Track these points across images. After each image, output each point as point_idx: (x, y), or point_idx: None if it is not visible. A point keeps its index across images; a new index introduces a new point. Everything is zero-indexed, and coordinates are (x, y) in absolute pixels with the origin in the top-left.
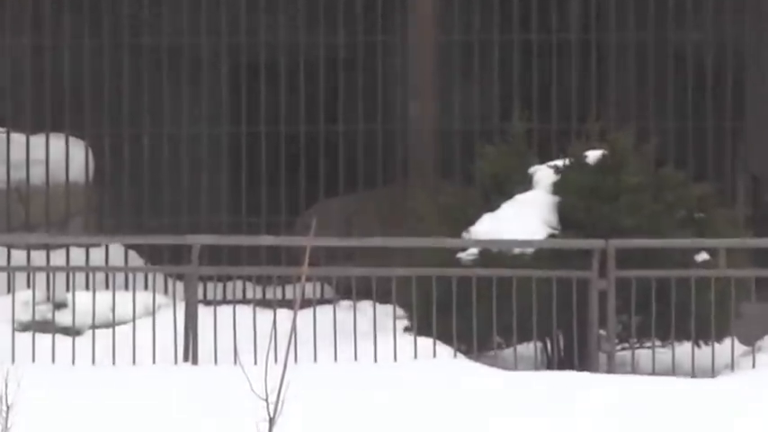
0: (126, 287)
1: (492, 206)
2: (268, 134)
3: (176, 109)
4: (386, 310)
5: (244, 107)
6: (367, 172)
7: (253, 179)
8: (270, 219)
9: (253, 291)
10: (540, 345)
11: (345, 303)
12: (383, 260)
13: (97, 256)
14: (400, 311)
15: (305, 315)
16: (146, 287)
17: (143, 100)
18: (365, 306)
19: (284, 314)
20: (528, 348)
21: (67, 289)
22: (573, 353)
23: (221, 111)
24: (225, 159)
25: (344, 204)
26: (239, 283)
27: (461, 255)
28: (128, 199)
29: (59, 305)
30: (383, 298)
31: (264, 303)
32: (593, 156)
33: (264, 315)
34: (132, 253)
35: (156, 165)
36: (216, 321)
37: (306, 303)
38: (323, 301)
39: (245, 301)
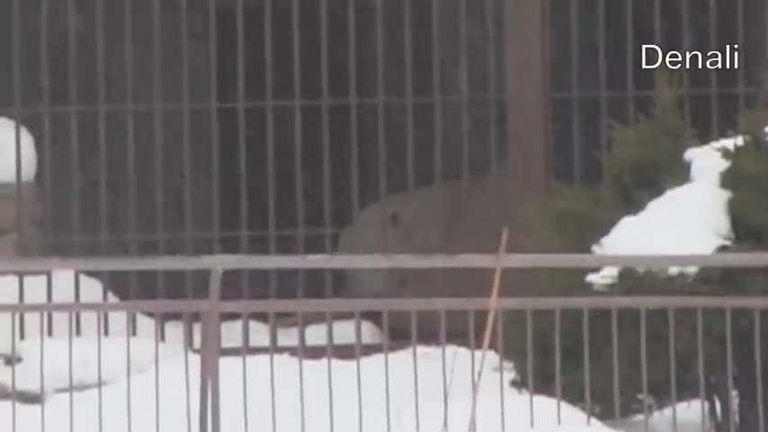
0: (105, 332)
1: (633, 208)
2: (284, 109)
3: (145, 76)
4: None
5: (240, 73)
6: (447, 160)
7: (262, 173)
8: (308, 230)
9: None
10: (707, 405)
11: (422, 350)
12: (457, 287)
13: (36, 288)
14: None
15: (366, 367)
16: (133, 332)
17: (97, 65)
18: (448, 353)
19: (340, 367)
20: (689, 410)
21: (21, 336)
22: (756, 417)
23: (209, 78)
24: (222, 144)
25: (419, 204)
26: (259, 324)
27: (593, 277)
28: (80, 205)
29: (9, 360)
30: (463, 340)
31: (310, 352)
32: None
33: (310, 368)
34: (89, 282)
35: (117, 155)
36: (245, 380)
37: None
38: (370, 346)
39: (276, 349)
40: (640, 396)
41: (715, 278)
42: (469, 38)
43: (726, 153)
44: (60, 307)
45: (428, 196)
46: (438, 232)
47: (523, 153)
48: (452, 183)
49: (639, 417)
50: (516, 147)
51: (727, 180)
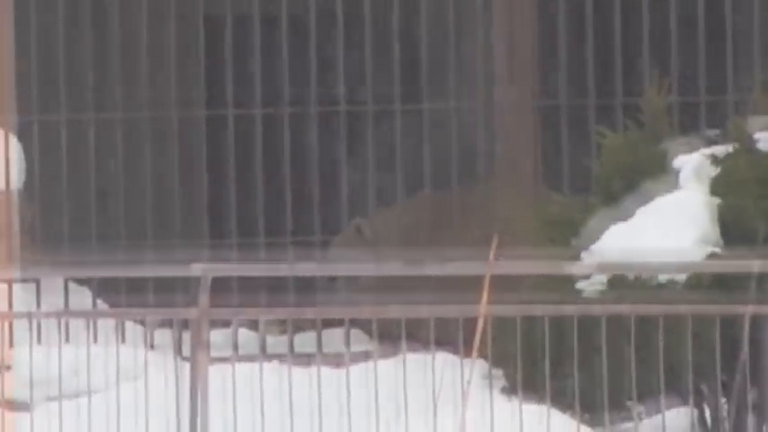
0: (95, 340)
1: (621, 215)
2: (272, 117)
3: (135, 84)
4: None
5: (230, 81)
6: (436, 169)
7: (251, 180)
8: (297, 237)
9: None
10: (695, 412)
11: (413, 356)
12: (443, 293)
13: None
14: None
15: (354, 374)
16: (122, 339)
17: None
18: (437, 359)
19: (329, 375)
20: (678, 417)
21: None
22: (744, 424)
23: (198, 86)
24: (210, 152)
25: (403, 214)
26: (247, 330)
27: (583, 284)
28: (69, 212)
29: None
30: (451, 347)
31: (299, 359)
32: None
33: (299, 376)
34: (78, 290)
35: (105, 163)
36: (234, 388)
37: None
38: (358, 353)
39: (266, 355)
40: (629, 403)
41: (705, 284)
42: (458, 46)
43: (715, 159)
44: (50, 314)
45: (412, 208)
46: (417, 242)
47: (513, 160)
48: (439, 193)
49: (629, 424)
50: (506, 154)
51: (718, 186)
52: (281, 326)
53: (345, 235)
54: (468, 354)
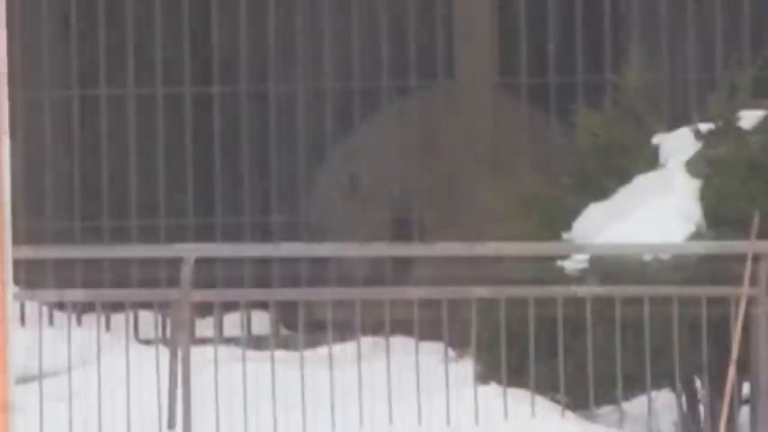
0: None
1: (600, 194)
2: (258, 95)
3: (115, 57)
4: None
5: (215, 58)
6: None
7: (238, 161)
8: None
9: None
10: (690, 412)
11: (399, 341)
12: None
13: None
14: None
15: (343, 372)
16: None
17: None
18: (421, 348)
19: (320, 374)
20: (672, 413)
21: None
22: (733, 409)
23: (182, 61)
24: (191, 131)
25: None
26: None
27: (565, 262)
28: (53, 192)
29: None
30: (429, 333)
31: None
32: (750, 117)
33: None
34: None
35: (86, 138)
36: (216, 370)
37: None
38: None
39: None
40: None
41: (689, 267)
42: (419, 24)
43: (698, 136)
44: (32, 295)
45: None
46: (408, 199)
47: (491, 141)
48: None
49: (615, 407)
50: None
51: (700, 165)
52: (274, 327)
53: (340, 186)
54: (456, 350)
